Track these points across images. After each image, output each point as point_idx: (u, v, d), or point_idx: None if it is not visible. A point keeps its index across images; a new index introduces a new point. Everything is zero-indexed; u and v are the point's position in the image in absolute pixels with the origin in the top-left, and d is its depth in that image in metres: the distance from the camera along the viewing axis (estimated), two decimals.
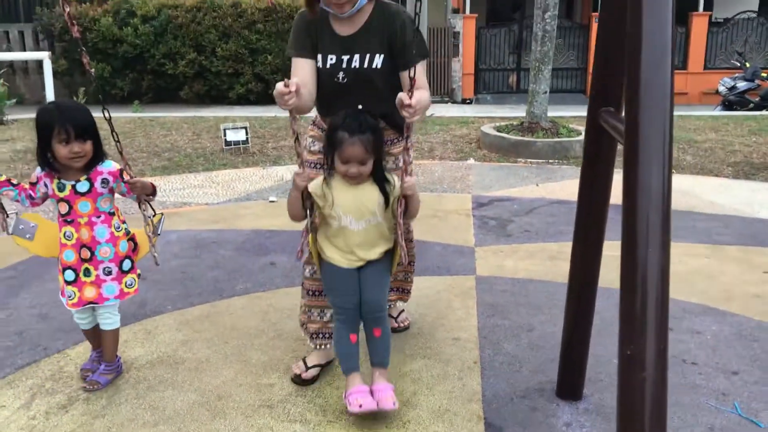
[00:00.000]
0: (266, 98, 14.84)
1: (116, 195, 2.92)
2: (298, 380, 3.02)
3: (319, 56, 2.87)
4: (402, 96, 2.49)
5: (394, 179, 2.76)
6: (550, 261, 4.59)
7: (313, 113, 3.11)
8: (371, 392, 2.72)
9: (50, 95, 7.09)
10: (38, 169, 2.81)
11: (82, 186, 2.80)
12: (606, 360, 3.19)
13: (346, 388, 2.76)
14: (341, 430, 2.69)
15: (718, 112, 13.17)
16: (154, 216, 2.98)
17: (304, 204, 2.72)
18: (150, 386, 3.03)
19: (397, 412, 2.77)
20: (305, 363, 3.07)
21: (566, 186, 6.69)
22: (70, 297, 2.89)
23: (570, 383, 2.91)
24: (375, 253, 2.78)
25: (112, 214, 2.89)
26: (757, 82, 13.51)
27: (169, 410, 2.84)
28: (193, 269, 4.45)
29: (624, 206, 1.69)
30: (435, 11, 19.64)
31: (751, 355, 3.29)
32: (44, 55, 7.20)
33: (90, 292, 2.89)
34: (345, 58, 2.84)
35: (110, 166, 2.86)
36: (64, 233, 2.85)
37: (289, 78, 2.52)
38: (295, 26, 2.92)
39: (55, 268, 3.01)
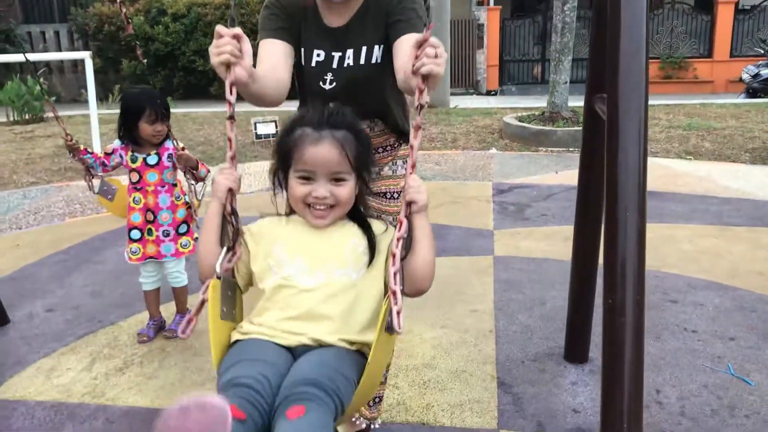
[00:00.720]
0: (294, 93, 15.20)
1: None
2: None
3: (302, 50, 2.19)
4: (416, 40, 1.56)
5: (386, 225, 1.80)
6: (564, 242, 4.84)
7: None
8: None
9: (91, 93, 7.48)
10: (116, 141, 3.37)
11: (152, 159, 3.31)
12: None
13: None
14: None
15: (741, 99, 13.23)
16: (197, 184, 3.43)
17: (223, 232, 1.71)
18: (195, 353, 3.36)
19: (417, 372, 3.07)
20: None
21: None
22: (134, 252, 3.38)
23: (576, 348, 3.19)
24: (330, 333, 1.63)
25: (174, 185, 3.39)
26: None
27: (214, 372, 3.16)
28: None
29: (606, 177, 1.96)
30: (459, 3, 19.82)
31: (749, 324, 3.53)
32: (85, 55, 7.59)
33: (151, 249, 3.38)
34: (336, 55, 2.17)
35: (176, 143, 3.35)
36: (133, 198, 3.35)
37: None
38: (268, 7, 2.20)
39: (101, 252, 3.39)
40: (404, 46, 1.97)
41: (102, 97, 13.71)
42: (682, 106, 11.48)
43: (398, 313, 1.49)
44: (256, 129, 9.06)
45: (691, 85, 17.90)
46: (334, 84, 2.20)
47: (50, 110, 3.54)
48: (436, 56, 1.52)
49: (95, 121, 7.58)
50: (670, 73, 18.00)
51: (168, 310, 3.77)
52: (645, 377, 3.00)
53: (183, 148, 3.35)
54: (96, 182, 3.41)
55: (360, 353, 1.65)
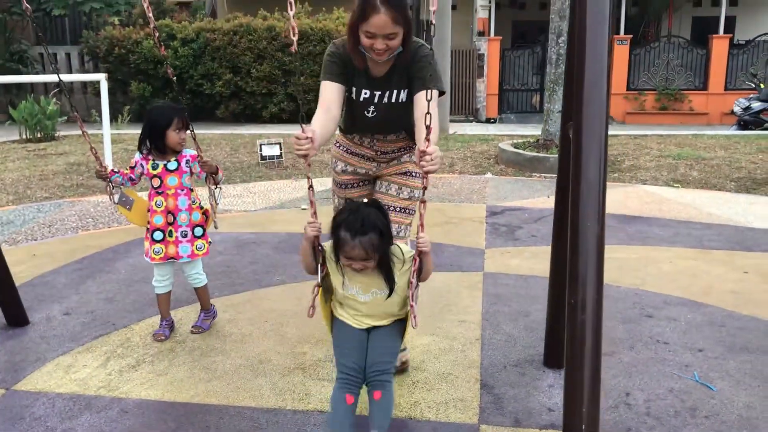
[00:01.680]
0: (298, 116, 15.59)
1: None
2: None
3: (354, 89, 3.08)
4: (419, 146, 2.53)
5: (403, 253, 2.68)
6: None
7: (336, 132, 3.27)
8: None
9: (105, 113, 7.81)
10: (137, 155, 3.69)
11: (172, 165, 3.65)
12: None
13: None
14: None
15: (732, 131, 13.58)
16: (215, 188, 3.78)
17: (315, 256, 2.67)
18: (203, 353, 3.63)
19: (407, 374, 3.34)
20: None
21: None
22: (156, 253, 3.68)
23: (554, 354, 3.45)
24: (383, 321, 2.74)
25: (191, 189, 3.72)
26: None
27: (220, 371, 3.43)
28: (236, 264, 5.08)
29: (570, 192, 2.25)
30: (461, 34, 20.30)
31: (717, 337, 3.80)
32: (101, 77, 7.92)
33: (171, 250, 3.70)
34: (377, 93, 3.08)
35: (191, 151, 3.72)
36: (156, 202, 3.66)
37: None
38: (330, 55, 3.05)
39: (113, 262, 3.65)
40: (418, 101, 2.94)
41: (111, 118, 14.08)
42: (674, 137, 11.82)
43: (415, 317, 2.63)
44: (261, 151, 9.38)
45: (686, 116, 18.29)
46: (375, 114, 3.14)
47: (66, 127, 3.87)
48: (432, 160, 2.46)
49: (108, 140, 7.91)
50: (666, 105, 18.40)
51: (176, 314, 4.06)
52: (616, 382, 3.29)
53: (200, 155, 3.69)
54: (116, 194, 3.71)
55: (397, 321, 2.77)
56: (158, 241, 3.68)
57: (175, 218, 3.68)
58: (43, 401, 3.14)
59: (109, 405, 3.10)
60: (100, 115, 8.04)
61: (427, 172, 2.50)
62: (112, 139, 10.86)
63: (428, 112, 2.48)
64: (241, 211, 6.94)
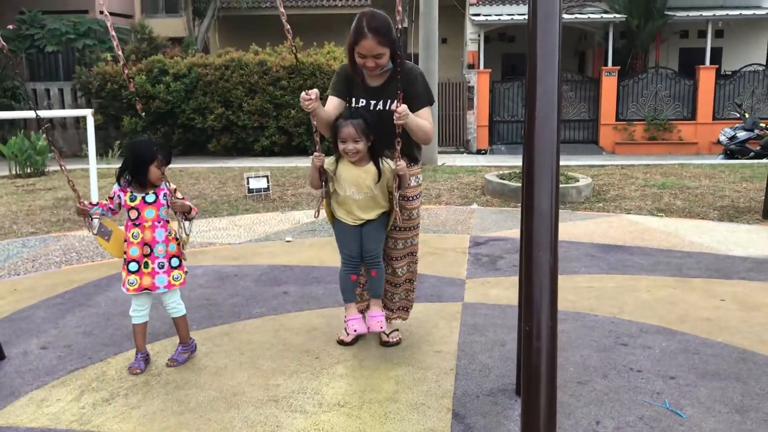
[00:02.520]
0: (289, 149, 15.73)
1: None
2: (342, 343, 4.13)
3: (353, 99, 3.84)
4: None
5: (389, 163, 3.69)
6: None
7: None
8: (365, 318, 3.89)
9: (92, 148, 7.89)
10: (116, 186, 3.74)
11: (150, 197, 3.72)
12: (561, 366, 3.74)
13: (346, 314, 3.92)
14: (334, 417, 3.27)
15: (719, 161, 13.71)
16: (185, 222, 3.82)
17: (321, 177, 3.73)
18: (177, 386, 3.64)
19: (379, 405, 3.35)
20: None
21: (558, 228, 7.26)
22: (131, 284, 3.71)
23: None
24: (373, 214, 3.78)
25: (167, 221, 3.78)
26: (756, 132, 14.05)
27: (193, 403, 3.44)
28: (216, 297, 5.11)
29: (524, 222, 2.30)
30: (450, 67, 20.57)
31: (690, 365, 3.82)
32: (87, 112, 8.01)
33: (147, 281, 3.73)
34: (372, 102, 3.78)
35: (169, 185, 3.77)
36: (132, 234, 3.71)
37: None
38: (336, 74, 3.90)
39: (94, 296, 3.67)
40: (419, 116, 3.70)
41: (102, 152, 14.18)
42: (661, 166, 11.93)
43: (398, 217, 3.73)
44: (248, 184, 9.45)
45: (676, 146, 18.48)
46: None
47: (56, 163, 3.95)
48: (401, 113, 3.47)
49: (94, 175, 7.97)
50: (655, 135, 18.60)
51: (154, 347, 4.07)
52: (587, 410, 3.32)
53: (175, 190, 3.74)
54: (95, 223, 3.74)
55: (381, 216, 3.83)
56: (133, 272, 3.71)
57: (152, 250, 3.72)
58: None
59: None
60: None
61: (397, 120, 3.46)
62: (102, 173, 10.93)
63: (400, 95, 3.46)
64: (225, 243, 6.97)
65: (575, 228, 7.47)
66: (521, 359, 3.39)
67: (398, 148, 3.56)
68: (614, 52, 19.68)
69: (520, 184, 9.12)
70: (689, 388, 3.53)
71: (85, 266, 6.17)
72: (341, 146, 3.63)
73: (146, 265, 3.72)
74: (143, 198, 3.71)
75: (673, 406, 3.34)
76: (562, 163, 9.89)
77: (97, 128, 16.08)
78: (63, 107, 17.14)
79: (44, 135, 12.20)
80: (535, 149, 2.27)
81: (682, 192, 9.34)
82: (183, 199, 3.77)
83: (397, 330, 4.23)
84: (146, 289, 3.74)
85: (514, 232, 7.20)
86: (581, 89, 19.53)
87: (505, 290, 5.18)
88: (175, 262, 3.80)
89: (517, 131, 19.62)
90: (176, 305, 3.88)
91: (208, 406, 3.40)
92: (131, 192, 3.71)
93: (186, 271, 3.89)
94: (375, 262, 3.85)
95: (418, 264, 4.24)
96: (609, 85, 18.85)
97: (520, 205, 8.76)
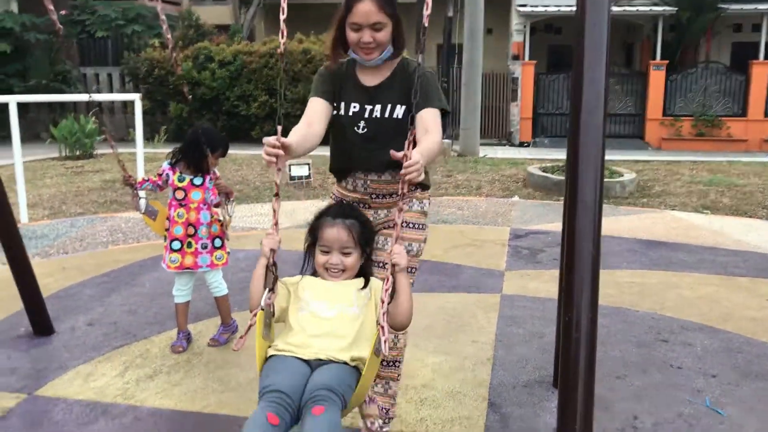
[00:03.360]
0: (329, 138, 15.79)
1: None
2: None
3: (342, 104, 2.83)
4: (399, 152, 2.21)
5: (379, 282, 2.39)
6: None
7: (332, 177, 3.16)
8: None
9: (139, 132, 8.04)
10: (165, 164, 3.85)
11: (198, 180, 3.80)
12: (599, 360, 3.72)
13: None
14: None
15: None
16: (228, 201, 3.94)
17: (267, 278, 2.35)
18: (218, 366, 3.72)
19: (416, 391, 3.38)
20: None
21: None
22: (173, 261, 3.81)
23: None
24: (340, 351, 2.24)
25: (211, 204, 3.84)
26: None
27: (233, 383, 3.51)
28: None
29: (567, 214, 2.29)
30: (495, 58, 20.40)
31: (732, 363, 3.76)
32: (135, 97, 8.17)
33: (189, 260, 3.82)
34: (368, 107, 2.79)
35: (216, 170, 3.87)
36: (177, 213, 3.79)
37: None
38: (318, 74, 2.89)
39: (139, 276, 3.76)
40: (422, 118, 2.62)
41: (149, 137, 14.43)
42: (708, 163, 11.69)
43: (385, 341, 2.18)
44: (290, 171, 9.54)
45: (724, 143, 18.03)
46: (366, 130, 2.80)
47: (104, 146, 4.06)
48: (411, 166, 2.16)
49: (141, 158, 8.12)
50: (703, 131, 18.17)
51: (196, 328, 4.16)
52: (625, 405, 3.30)
53: (218, 177, 3.85)
54: (143, 203, 3.84)
55: (356, 369, 2.26)
56: (176, 251, 3.81)
57: (196, 231, 3.81)
58: (61, 407, 3.25)
59: (124, 412, 3.20)
60: None
61: (404, 177, 2.18)
62: (149, 157, 11.14)
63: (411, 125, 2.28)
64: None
65: (618, 223, 7.38)
66: (560, 350, 3.39)
67: (397, 223, 2.31)
68: (663, 46, 19.25)
69: (563, 178, 9.03)
70: (731, 387, 3.48)
71: (131, 247, 6.32)
72: (321, 258, 2.40)
73: (189, 244, 3.81)
74: (191, 180, 3.80)
75: (713, 405, 3.29)
76: (606, 157, 9.81)
77: (143, 113, 16.40)
78: (111, 92, 17.48)
79: (93, 117, 12.52)
80: (581, 141, 2.26)
81: (729, 189, 9.14)
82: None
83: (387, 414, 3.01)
84: (188, 268, 3.83)
85: (556, 226, 7.14)
86: (628, 83, 19.16)
87: (544, 283, 5.15)
88: (218, 242, 3.88)
89: (562, 124, 19.36)
90: (218, 284, 3.96)
91: (247, 386, 3.46)
92: (180, 173, 3.80)
93: (228, 252, 3.97)
94: (326, 397, 2.08)
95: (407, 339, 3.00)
96: (657, 79, 18.47)
97: (562, 198, 8.67)
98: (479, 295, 4.88)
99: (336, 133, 2.90)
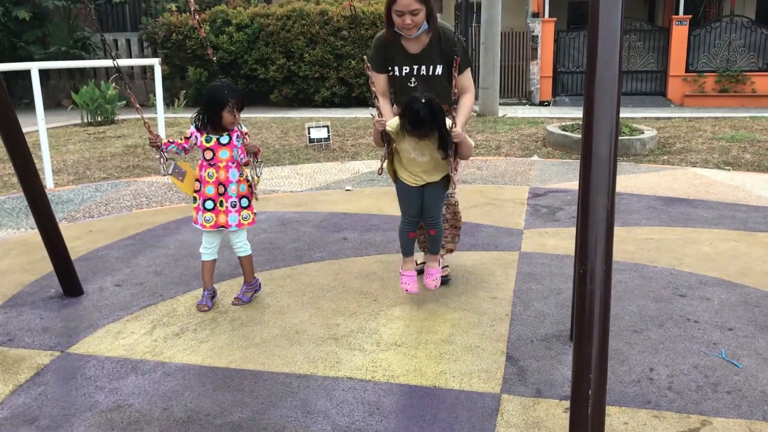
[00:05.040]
0: (349, 100, 15.77)
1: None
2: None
3: (396, 68, 3.97)
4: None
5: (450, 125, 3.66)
6: None
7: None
8: (421, 273, 4.11)
9: (159, 97, 8.10)
10: (192, 127, 3.92)
11: (224, 139, 3.86)
12: (616, 315, 3.77)
13: (402, 267, 4.02)
14: (390, 356, 3.39)
15: None
16: (257, 161, 3.95)
17: (383, 138, 3.75)
18: (243, 323, 3.82)
19: (435, 346, 3.46)
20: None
21: (620, 180, 7.16)
22: (207, 221, 3.91)
23: None
24: (435, 177, 3.80)
25: (240, 162, 3.89)
26: None
27: (258, 339, 3.62)
28: (278, 241, 5.27)
29: (581, 168, 2.31)
30: (514, 15, 20.10)
31: (750, 317, 3.79)
32: (155, 62, 8.22)
33: (222, 219, 3.91)
34: (415, 68, 3.93)
35: (242, 128, 3.87)
36: (208, 173, 3.87)
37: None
38: (374, 47, 4.03)
39: (164, 238, 3.83)
40: (461, 80, 3.89)
41: (168, 102, 14.51)
42: (730, 119, 11.54)
43: (455, 179, 3.86)
44: (309, 134, 9.57)
45: (749, 99, 17.73)
46: (416, 83, 3.95)
47: (125, 112, 4.10)
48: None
49: (162, 123, 8.20)
50: (726, 87, 17.87)
51: (221, 287, 4.26)
52: (641, 358, 3.35)
53: (247, 134, 3.88)
54: (171, 164, 3.90)
55: (444, 179, 3.85)
56: (209, 210, 3.90)
57: (225, 189, 3.88)
58: (93, 363, 3.37)
59: (153, 368, 3.32)
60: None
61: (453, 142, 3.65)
62: (169, 122, 11.23)
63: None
64: (287, 191, 7.14)
65: (638, 180, 7.35)
66: (575, 303, 3.44)
67: (454, 116, 3.70)
68: (686, 0, 18.87)
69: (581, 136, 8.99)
70: (747, 340, 3.52)
71: (154, 210, 6.43)
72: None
73: (221, 203, 3.90)
74: (218, 140, 3.86)
75: (729, 357, 3.34)
76: (627, 115, 9.86)
77: (163, 78, 16.46)
78: (130, 58, 17.51)
79: (114, 84, 12.59)
80: (596, 93, 2.27)
81: (752, 145, 9.04)
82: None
83: (447, 266, 4.41)
84: (221, 226, 3.92)
85: (575, 184, 7.11)
86: (650, 39, 18.82)
87: (563, 240, 5.19)
88: (244, 202, 3.96)
89: (582, 82, 19.11)
90: (243, 244, 4.04)
91: (271, 342, 3.57)
92: (206, 133, 3.87)
93: (255, 213, 4.05)
94: (434, 223, 3.92)
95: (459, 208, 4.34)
96: (679, 34, 18.12)
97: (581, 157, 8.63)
98: (498, 253, 4.93)
99: (395, 84, 4.03)
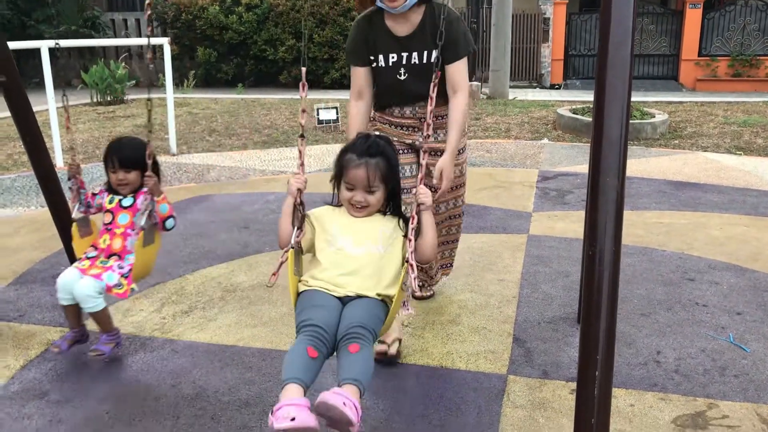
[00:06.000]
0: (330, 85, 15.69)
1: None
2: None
3: (381, 56, 3.09)
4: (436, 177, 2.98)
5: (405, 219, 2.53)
6: None
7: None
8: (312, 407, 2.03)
9: (168, 76, 8.09)
10: (104, 184, 3.31)
11: (127, 201, 3.20)
12: (624, 298, 3.77)
13: (280, 397, 2.05)
14: (405, 337, 3.39)
15: None
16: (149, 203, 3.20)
17: (294, 215, 2.49)
18: (251, 302, 3.83)
19: (442, 326, 3.47)
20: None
21: (630, 164, 7.11)
22: (80, 264, 3.17)
23: None
24: (367, 289, 2.38)
25: (143, 229, 3.17)
26: None
27: (265, 318, 3.63)
28: None
29: (592, 148, 2.30)
30: None
31: (759, 302, 3.78)
32: (164, 41, 8.20)
33: (95, 271, 3.10)
34: (404, 55, 3.06)
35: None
36: (104, 239, 3.19)
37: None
38: (351, 35, 3.17)
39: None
40: (450, 74, 3.06)
41: (178, 83, 14.49)
42: (743, 104, 11.43)
43: (415, 278, 2.34)
44: (318, 115, 9.55)
45: (763, 83, 17.54)
46: (407, 75, 3.10)
47: (135, 92, 3.85)
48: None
49: (171, 104, 8.19)
50: (740, 71, 17.70)
51: (229, 267, 4.27)
52: (649, 341, 3.34)
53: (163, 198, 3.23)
54: (80, 215, 3.28)
55: (383, 302, 2.41)
56: (89, 258, 3.19)
57: (121, 259, 3.16)
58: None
59: (162, 345, 3.34)
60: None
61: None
62: (178, 102, 11.22)
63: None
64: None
65: (648, 164, 7.31)
66: (583, 284, 3.44)
67: (419, 183, 2.49)
68: None
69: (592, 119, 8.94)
70: (756, 324, 3.51)
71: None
72: (346, 194, 2.48)
73: (104, 262, 3.16)
74: (120, 201, 3.21)
75: (737, 341, 3.33)
76: (638, 98, 9.77)
77: (172, 58, 16.47)
78: (140, 37, 17.49)
79: (123, 63, 12.59)
80: (608, 76, 2.25)
81: (764, 130, 8.96)
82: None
83: (400, 340, 3.20)
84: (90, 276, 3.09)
85: (585, 167, 7.07)
86: (662, 22, 18.63)
87: (572, 224, 5.17)
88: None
89: (593, 65, 18.98)
90: (92, 300, 3.07)
91: (279, 321, 3.58)
92: (112, 194, 3.25)
93: (133, 288, 3.16)
94: (359, 335, 2.21)
95: (461, 225, 3.68)
96: (693, 17, 17.93)
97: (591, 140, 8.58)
98: (506, 236, 4.93)
99: (379, 79, 3.17)
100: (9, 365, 3.18)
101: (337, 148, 8.30)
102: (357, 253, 2.43)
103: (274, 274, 2.48)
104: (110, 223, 3.20)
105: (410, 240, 2.40)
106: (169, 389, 2.94)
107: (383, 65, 3.11)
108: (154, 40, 12.09)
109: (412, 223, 2.42)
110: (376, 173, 2.44)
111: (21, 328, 3.58)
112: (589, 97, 13.34)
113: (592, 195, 2.28)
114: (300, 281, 2.47)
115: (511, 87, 14.10)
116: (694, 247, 4.63)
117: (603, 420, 2.15)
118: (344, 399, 1.99)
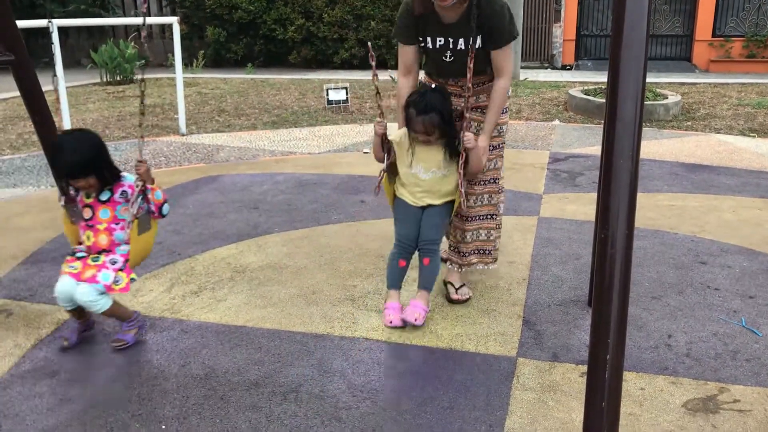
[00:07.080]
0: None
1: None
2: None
3: (429, 39, 3.34)
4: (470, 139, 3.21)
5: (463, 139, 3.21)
6: None
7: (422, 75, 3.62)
8: (403, 308, 3.31)
9: (178, 55, 8.06)
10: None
11: (104, 195, 3.07)
12: (635, 281, 3.74)
13: (385, 300, 3.43)
14: None
15: None
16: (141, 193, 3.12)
17: (383, 147, 3.37)
18: (260, 283, 3.83)
19: (451, 309, 3.46)
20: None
21: (642, 146, 7.03)
22: (73, 268, 3.07)
23: None
24: (438, 200, 3.36)
25: (130, 222, 3.10)
26: None
27: (275, 299, 3.63)
28: (296, 202, 5.27)
29: (605, 131, 2.27)
30: None
31: None
32: (173, 20, 8.15)
33: (89, 273, 3.02)
34: (451, 40, 3.29)
35: (131, 180, 3.13)
36: (87, 236, 3.11)
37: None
38: (401, 15, 3.37)
39: (182, 198, 3.82)
40: (496, 60, 3.31)
41: (187, 62, 14.45)
42: (757, 85, 11.30)
43: (464, 197, 3.29)
44: (328, 95, 9.51)
45: None
46: (453, 58, 3.35)
47: (148, 69, 3.81)
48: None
49: (180, 83, 8.16)
50: (754, 52, 17.47)
51: (238, 247, 4.26)
52: (660, 324, 3.32)
53: (144, 186, 3.09)
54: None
55: (448, 203, 3.40)
56: (79, 258, 3.11)
57: (113, 253, 3.10)
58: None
59: (171, 326, 3.35)
60: None
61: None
62: (188, 82, 11.19)
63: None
64: (305, 153, 7.12)
65: (660, 146, 7.24)
66: (594, 267, 3.41)
67: (466, 123, 3.22)
68: None
69: (605, 100, 8.84)
70: None
71: (173, 170, 6.44)
72: (413, 134, 3.28)
73: (94, 258, 3.10)
74: (97, 197, 3.09)
75: (749, 325, 3.31)
76: (651, 79, 9.67)
77: (181, 38, 16.41)
78: (148, 16, 17.42)
79: (132, 42, 12.55)
80: (622, 56, 2.21)
81: None
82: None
83: (465, 285, 3.65)
84: (83, 281, 3.01)
85: (596, 149, 7.05)
86: (676, 2, 18.38)
87: (582, 206, 5.14)
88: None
89: (606, 46, 18.76)
90: (94, 304, 3.03)
91: (288, 302, 3.58)
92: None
93: (132, 278, 3.12)
94: (431, 249, 3.33)
95: (502, 195, 3.71)
96: None
97: (604, 121, 8.51)
98: (517, 218, 4.90)
99: (427, 56, 3.48)
100: (20, 344, 3.20)
101: (347, 129, 8.32)
102: (427, 177, 3.34)
103: (377, 186, 3.40)
104: (91, 219, 3.09)
105: (460, 172, 3.24)
106: (179, 369, 2.95)
107: (431, 47, 3.37)
108: (163, 19, 12.06)
109: (461, 159, 3.24)
110: (432, 125, 3.17)
111: (32, 307, 3.59)
112: (601, 78, 13.22)
113: (605, 178, 2.25)
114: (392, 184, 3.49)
115: (522, 67, 14.00)
116: (707, 230, 4.59)
117: (614, 403, 2.13)
118: (416, 315, 3.26)
